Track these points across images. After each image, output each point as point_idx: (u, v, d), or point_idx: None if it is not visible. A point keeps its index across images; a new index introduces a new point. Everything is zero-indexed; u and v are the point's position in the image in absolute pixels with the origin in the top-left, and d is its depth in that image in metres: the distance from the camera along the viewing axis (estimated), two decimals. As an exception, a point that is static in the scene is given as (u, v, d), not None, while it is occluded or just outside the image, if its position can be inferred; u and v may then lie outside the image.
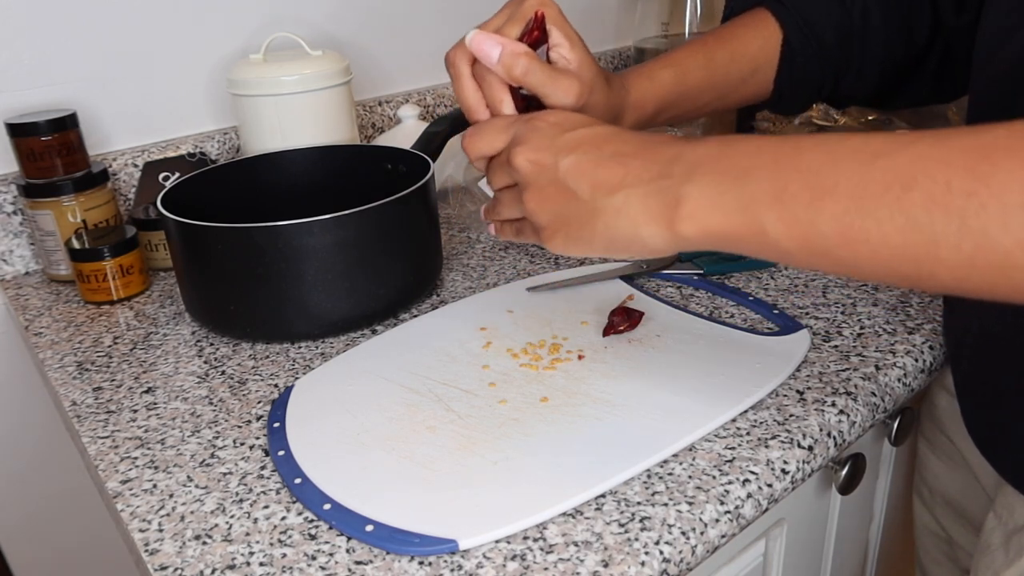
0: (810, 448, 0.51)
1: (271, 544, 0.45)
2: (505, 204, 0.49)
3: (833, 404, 0.54)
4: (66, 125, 0.79)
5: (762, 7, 0.63)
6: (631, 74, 0.61)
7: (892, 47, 0.61)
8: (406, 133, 0.93)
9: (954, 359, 0.57)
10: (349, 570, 0.43)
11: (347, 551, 0.44)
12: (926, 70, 0.63)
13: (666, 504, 0.46)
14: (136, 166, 0.90)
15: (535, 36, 0.51)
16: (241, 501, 0.49)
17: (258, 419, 0.57)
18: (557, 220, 0.45)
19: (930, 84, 0.64)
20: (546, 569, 0.42)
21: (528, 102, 0.52)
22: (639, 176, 0.41)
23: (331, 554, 0.44)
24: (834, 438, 0.52)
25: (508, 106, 0.51)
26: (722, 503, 0.46)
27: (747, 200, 0.37)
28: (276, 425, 0.55)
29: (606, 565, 0.42)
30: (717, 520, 0.46)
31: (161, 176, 0.90)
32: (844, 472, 0.59)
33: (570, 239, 0.45)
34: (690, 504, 0.46)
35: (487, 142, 0.49)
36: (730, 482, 0.47)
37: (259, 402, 0.59)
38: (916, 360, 0.59)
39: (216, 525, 0.47)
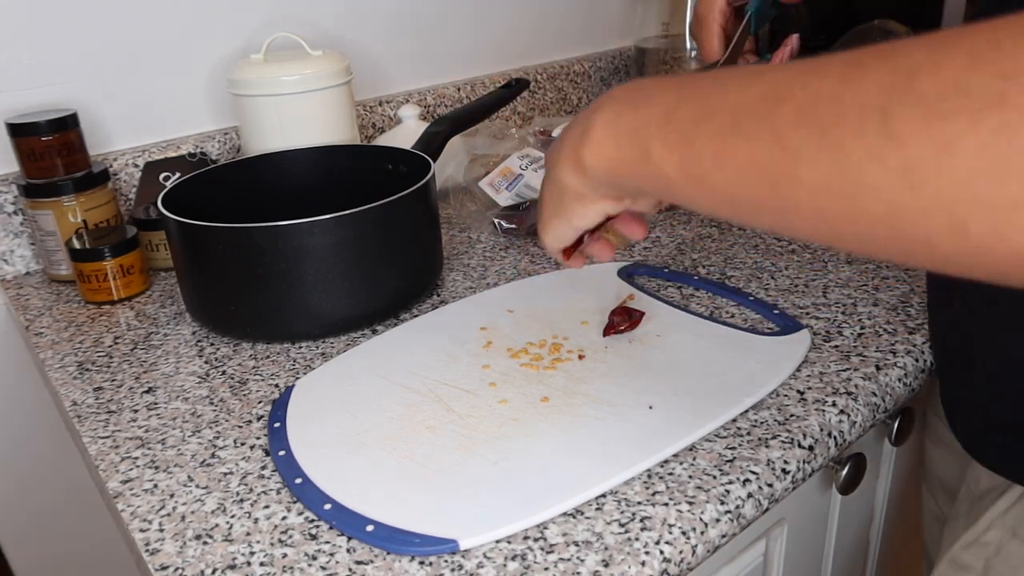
0: (811, 448, 0.51)
1: (272, 544, 0.45)
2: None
3: (834, 404, 0.54)
4: (67, 125, 0.79)
5: None
6: None
7: None
8: (406, 133, 0.93)
9: (932, 334, 0.59)
10: (349, 570, 0.43)
11: (347, 551, 0.44)
12: None
13: (666, 504, 0.46)
14: (137, 166, 0.90)
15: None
16: (242, 501, 0.49)
17: (259, 419, 0.57)
18: (545, 212, 0.47)
19: None
20: (546, 569, 0.42)
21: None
22: (569, 133, 0.42)
23: (331, 554, 0.44)
24: (835, 438, 0.52)
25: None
26: (722, 503, 0.46)
27: (639, 123, 0.37)
28: (277, 425, 0.55)
29: (606, 565, 0.42)
30: (717, 520, 0.46)
31: (162, 176, 0.90)
32: (845, 472, 0.59)
33: (544, 221, 0.48)
34: (690, 504, 0.46)
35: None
36: (731, 482, 0.47)
37: (260, 402, 0.59)
38: (916, 360, 0.59)
39: (217, 525, 0.47)
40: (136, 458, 0.54)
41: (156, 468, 0.52)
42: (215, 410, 0.58)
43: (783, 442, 0.51)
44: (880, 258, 0.32)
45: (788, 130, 0.29)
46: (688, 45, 1.22)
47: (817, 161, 0.28)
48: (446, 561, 0.43)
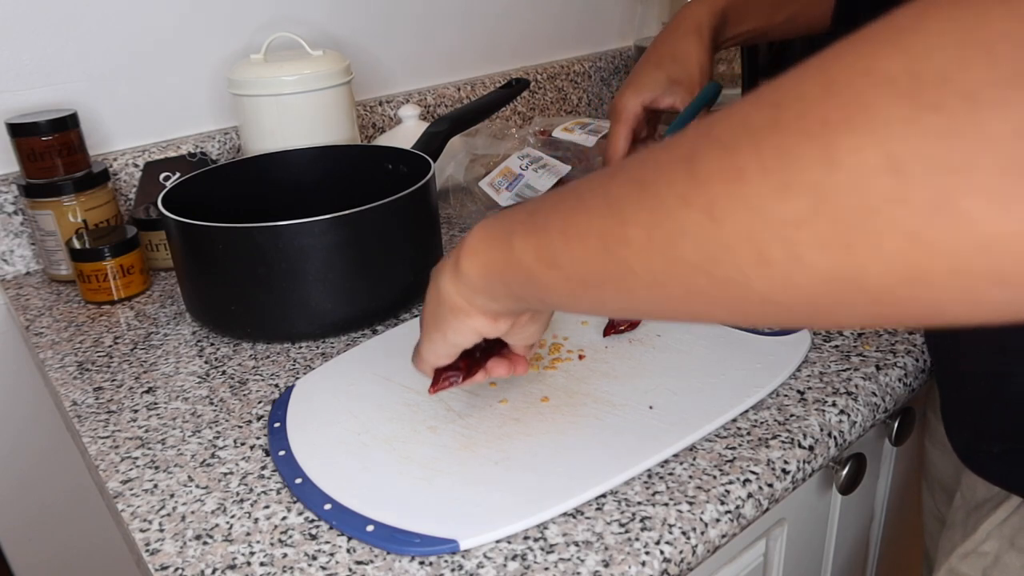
0: (811, 448, 0.51)
1: (272, 544, 0.45)
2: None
3: (834, 404, 0.54)
4: (67, 125, 0.79)
5: None
6: None
7: None
8: (407, 133, 0.93)
9: (928, 342, 0.60)
10: (350, 570, 0.43)
11: (348, 551, 0.44)
12: None
13: (667, 504, 0.46)
14: (137, 166, 0.90)
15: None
16: (242, 501, 0.49)
17: (259, 419, 0.57)
18: (424, 325, 0.47)
19: None
20: (547, 569, 0.42)
21: None
22: (447, 260, 0.44)
23: (332, 554, 0.44)
24: (835, 438, 0.52)
25: None
26: (723, 503, 0.46)
27: (509, 223, 0.38)
28: (277, 425, 0.55)
29: (607, 565, 0.42)
30: (718, 520, 0.46)
31: (162, 176, 0.90)
32: (845, 472, 0.59)
33: (423, 335, 0.47)
34: (691, 504, 0.46)
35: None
36: (731, 482, 0.47)
37: (260, 402, 0.59)
38: (916, 360, 0.59)
39: (217, 525, 0.47)
40: (136, 458, 0.54)
41: (156, 468, 0.52)
42: (215, 410, 0.58)
43: (783, 442, 0.51)
44: (718, 322, 0.32)
45: (618, 192, 0.30)
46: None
47: (639, 218, 0.29)
48: (446, 561, 0.43)
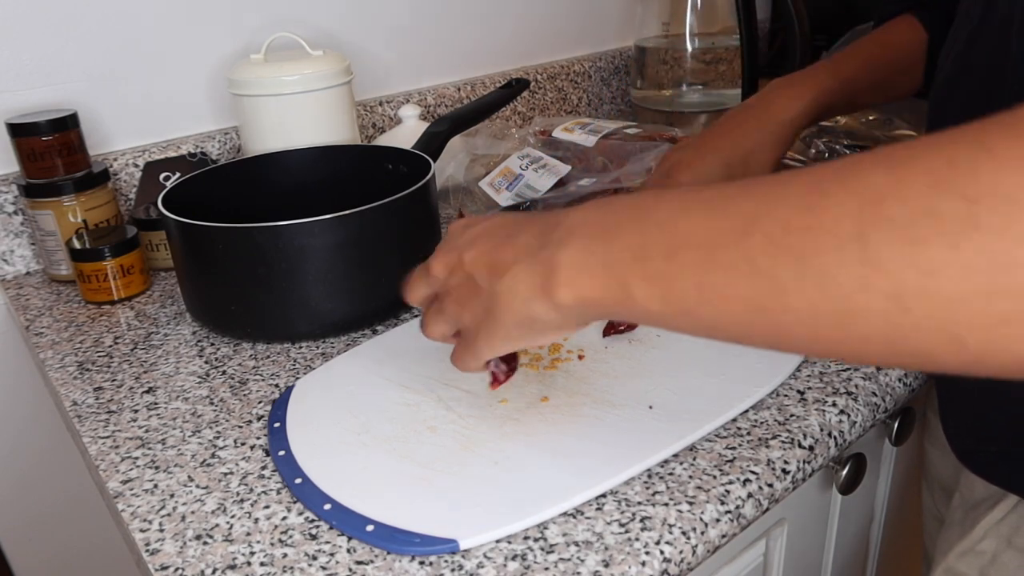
0: (811, 448, 0.51)
1: (272, 544, 0.45)
2: (433, 322, 0.46)
3: (834, 404, 0.54)
4: (67, 125, 0.79)
5: (907, 13, 0.68)
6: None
7: None
8: (407, 133, 0.93)
9: None
10: (350, 570, 0.43)
11: (348, 551, 0.44)
12: None
13: (667, 504, 0.46)
14: (137, 166, 0.90)
15: None
16: (242, 501, 0.49)
17: (259, 419, 0.57)
18: (474, 319, 0.42)
19: None
20: (547, 569, 0.42)
21: None
22: (524, 250, 0.39)
23: (332, 554, 0.44)
24: (835, 438, 0.52)
25: None
26: (723, 503, 0.46)
27: (612, 260, 0.35)
28: (277, 425, 0.55)
29: (607, 565, 0.42)
30: (718, 520, 0.46)
31: (162, 176, 0.90)
32: (845, 472, 0.59)
33: (486, 335, 0.42)
34: (691, 504, 0.46)
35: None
36: (731, 482, 0.47)
37: (260, 402, 0.59)
38: (917, 360, 0.59)
39: (217, 525, 0.47)
40: (136, 458, 0.54)
41: (156, 468, 0.52)
42: (215, 410, 0.58)
43: (783, 442, 0.51)
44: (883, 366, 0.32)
45: (763, 260, 0.29)
46: (688, 45, 1.22)
47: (803, 290, 0.28)
48: (446, 561, 0.43)
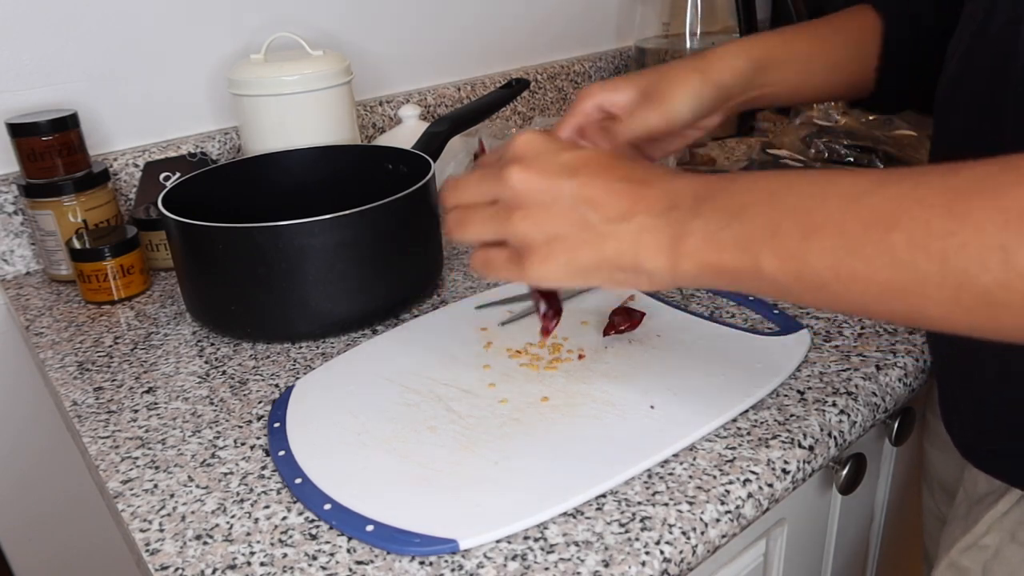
0: (811, 448, 0.51)
1: (272, 544, 0.45)
2: (478, 223, 0.45)
3: (834, 404, 0.54)
4: (67, 125, 0.79)
5: (863, 3, 0.63)
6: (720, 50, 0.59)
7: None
8: (407, 133, 0.93)
9: (929, 339, 0.59)
10: (350, 570, 0.43)
11: (348, 551, 0.44)
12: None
13: (667, 504, 0.46)
14: (137, 166, 0.90)
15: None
16: (242, 501, 0.49)
17: (259, 419, 0.57)
18: (553, 242, 0.42)
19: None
20: (547, 569, 0.42)
21: None
22: (651, 206, 0.40)
23: (332, 554, 0.44)
24: (835, 438, 0.52)
25: None
26: (723, 503, 0.46)
27: (744, 238, 0.38)
28: (277, 425, 0.55)
29: (607, 565, 0.42)
30: (718, 520, 0.46)
31: (162, 176, 0.90)
32: (845, 472, 0.59)
33: (567, 263, 0.42)
34: (691, 504, 0.46)
35: (475, 180, 0.46)
36: (731, 482, 0.47)
37: (260, 402, 0.59)
38: (917, 360, 0.59)
39: (217, 525, 0.47)
40: (136, 458, 0.54)
41: (156, 468, 0.52)
42: (215, 410, 0.58)
43: (783, 442, 0.51)
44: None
45: (905, 255, 0.33)
46: (688, 45, 1.22)
47: (944, 285, 0.32)
48: (446, 561, 0.43)
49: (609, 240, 0.41)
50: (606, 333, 0.63)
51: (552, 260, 0.42)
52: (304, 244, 0.62)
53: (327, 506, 0.47)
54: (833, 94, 0.65)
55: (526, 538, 0.44)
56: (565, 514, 0.45)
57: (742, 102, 0.59)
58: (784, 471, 0.49)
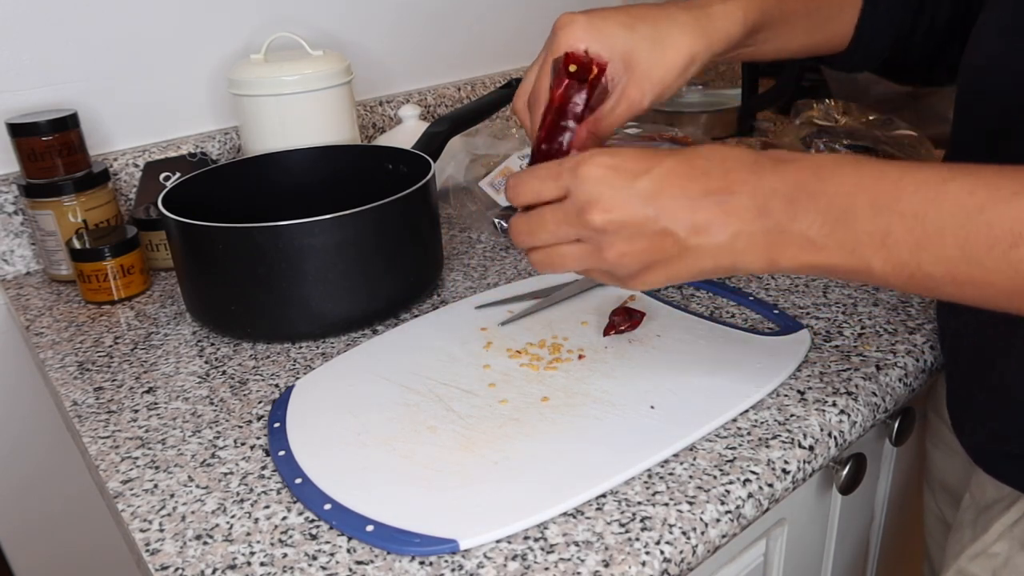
0: (811, 448, 0.51)
1: (272, 544, 0.45)
2: (571, 261, 0.46)
3: (834, 404, 0.54)
4: (67, 125, 0.79)
5: None
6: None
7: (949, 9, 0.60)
8: (407, 133, 0.93)
9: (942, 340, 0.59)
10: (350, 570, 0.43)
11: (348, 551, 0.44)
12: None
13: (667, 504, 0.46)
14: (137, 166, 0.90)
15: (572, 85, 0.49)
16: (242, 501, 0.49)
17: (259, 419, 0.57)
18: (651, 266, 0.44)
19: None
20: (547, 569, 0.42)
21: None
22: (742, 216, 0.41)
23: (332, 554, 0.44)
24: (835, 438, 0.52)
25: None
26: (723, 503, 0.46)
27: (852, 244, 0.39)
28: (277, 425, 0.55)
29: (607, 565, 0.42)
30: (718, 520, 0.46)
31: (162, 176, 0.90)
32: (845, 472, 0.59)
33: (666, 279, 0.45)
34: (691, 504, 0.46)
35: (533, 192, 0.46)
36: (731, 482, 0.47)
37: (260, 402, 0.59)
38: (917, 360, 0.59)
39: (217, 525, 0.47)
40: (136, 458, 0.54)
41: (156, 468, 0.52)
42: (215, 410, 0.58)
43: (783, 442, 0.51)
44: None
45: (994, 263, 0.36)
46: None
47: None
48: (446, 561, 0.43)
49: (704, 255, 0.43)
50: (606, 333, 0.63)
51: (651, 279, 0.45)
52: (304, 244, 0.62)
53: (327, 506, 0.47)
54: (811, 53, 0.64)
55: (526, 538, 0.44)
56: (565, 514, 0.45)
57: (722, 59, 0.58)
58: (784, 471, 0.49)
